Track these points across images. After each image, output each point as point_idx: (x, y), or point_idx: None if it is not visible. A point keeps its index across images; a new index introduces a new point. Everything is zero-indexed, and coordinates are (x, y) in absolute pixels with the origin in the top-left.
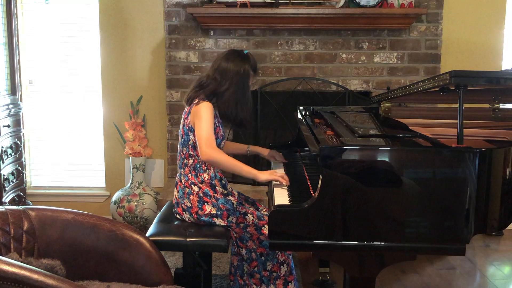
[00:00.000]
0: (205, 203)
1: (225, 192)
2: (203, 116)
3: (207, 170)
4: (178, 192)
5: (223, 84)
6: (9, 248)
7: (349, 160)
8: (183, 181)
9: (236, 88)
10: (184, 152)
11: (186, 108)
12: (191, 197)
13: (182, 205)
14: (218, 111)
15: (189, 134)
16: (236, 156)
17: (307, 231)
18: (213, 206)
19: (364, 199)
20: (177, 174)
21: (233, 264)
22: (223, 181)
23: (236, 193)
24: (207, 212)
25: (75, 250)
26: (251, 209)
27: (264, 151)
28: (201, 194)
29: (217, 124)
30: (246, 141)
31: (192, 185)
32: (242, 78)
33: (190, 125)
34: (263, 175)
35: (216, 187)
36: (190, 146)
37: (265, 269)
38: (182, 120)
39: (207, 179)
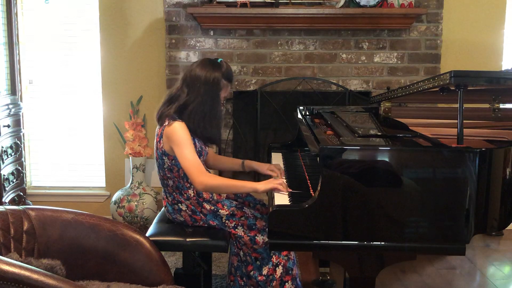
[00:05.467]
0: (198, 215)
1: (213, 208)
2: (181, 141)
3: (191, 187)
4: (167, 206)
5: (191, 95)
6: (9, 248)
7: (349, 160)
8: (169, 198)
9: (204, 100)
10: (162, 174)
11: (158, 129)
12: (182, 213)
13: (175, 219)
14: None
15: (163, 158)
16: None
17: (307, 231)
18: (205, 222)
19: (364, 199)
20: (162, 191)
21: (233, 264)
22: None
23: (227, 204)
24: (201, 223)
25: (75, 250)
26: (242, 219)
27: (261, 167)
28: (189, 212)
29: (194, 141)
30: (246, 141)
31: (179, 204)
32: (211, 88)
33: (163, 149)
34: (261, 186)
35: (204, 203)
36: (166, 169)
37: (261, 274)
38: (155, 143)
39: (193, 195)
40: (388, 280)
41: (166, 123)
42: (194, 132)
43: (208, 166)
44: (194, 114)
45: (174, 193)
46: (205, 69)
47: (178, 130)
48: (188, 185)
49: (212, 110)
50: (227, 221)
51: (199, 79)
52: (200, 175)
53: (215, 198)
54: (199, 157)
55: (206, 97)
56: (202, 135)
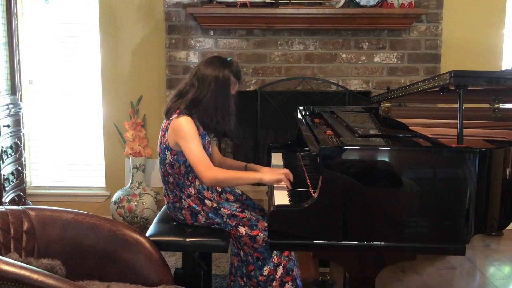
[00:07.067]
0: (198, 215)
1: (215, 205)
2: (188, 135)
3: (192, 184)
4: (168, 203)
5: (202, 90)
6: (9, 248)
7: (349, 160)
8: (170, 196)
9: (216, 95)
10: (163, 170)
11: (163, 124)
12: (183, 211)
13: (175, 217)
14: (198, 121)
15: (166, 152)
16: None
17: (307, 231)
18: (206, 219)
19: (364, 199)
20: (163, 188)
21: (234, 264)
22: (213, 189)
23: (227, 207)
24: (202, 222)
25: (75, 250)
26: (244, 219)
27: (262, 170)
28: (189, 211)
29: (199, 138)
30: (246, 141)
31: (182, 200)
32: (222, 84)
33: (167, 143)
34: (267, 177)
35: (205, 201)
36: (167, 165)
37: (261, 274)
38: (159, 137)
39: (194, 193)
40: (388, 280)
41: (173, 117)
42: (208, 127)
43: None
44: (206, 109)
45: (175, 190)
46: (215, 66)
47: (184, 124)
48: (189, 183)
49: (224, 105)
50: (228, 220)
51: (209, 75)
52: (208, 170)
53: (216, 199)
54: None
55: (217, 92)
56: (216, 129)
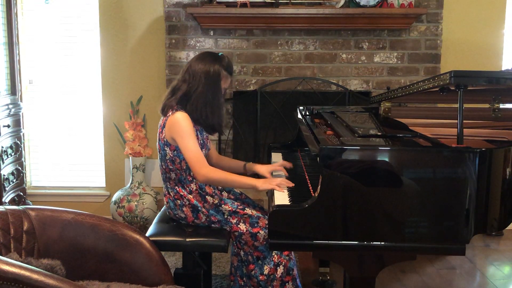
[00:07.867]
0: (199, 212)
1: (216, 202)
2: (184, 132)
3: (194, 180)
4: (168, 203)
5: (193, 85)
6: (9, 248)
7: (349, 160)
8: (171, 193)
9: (206, 89)
10: (164, 167)
11: (161, 121)
12: (184, 208)
13: (176, 215)
14: (190, 116)
15: (165, 148)
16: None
17: (307, 231)
18: (207, 217)
19: (364, 199)
20: (163, 187)
21: (234, 264)
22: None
23: (229, 204)
24: (203, 220)
25: (75, 250)
26: (245, 216)
27: (261, 169)
28: (191, 208)
29: (196, 133)
30: (246, 141)
31: (183, 197)
32: (212, 79)
33: (165, 140)
34: (261, 185)
35: (207, 197)
36: (168, 161)
37: (262, 273)
38: (157, 134)
39: (195, 189)
40: (388, 280)
41: (170, 113)
42: (197, 121)
43: (210, 165)
44: (196, 103)
45: (177, 187)
46: (206, 61)
47: (181, 121)
48: (191, 178)
49: (213, 99)
50: (229, 217)
51: (200, 69)
52: (203, 167)
53: (218, 194)
54: (201, 150)
55: (208, 87)
56: (205, 123)
